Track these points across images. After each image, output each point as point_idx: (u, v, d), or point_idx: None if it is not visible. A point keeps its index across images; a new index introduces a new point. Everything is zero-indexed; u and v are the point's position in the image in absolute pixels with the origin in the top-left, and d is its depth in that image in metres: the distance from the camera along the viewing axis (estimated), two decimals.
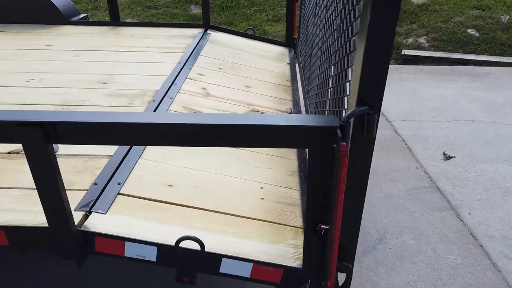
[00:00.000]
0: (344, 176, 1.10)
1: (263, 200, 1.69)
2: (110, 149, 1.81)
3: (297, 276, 1.37)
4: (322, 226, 1.24)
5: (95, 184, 1.59)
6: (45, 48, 3.17)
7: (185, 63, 2.88)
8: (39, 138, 1.11)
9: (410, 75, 4.60)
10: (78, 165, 1.72)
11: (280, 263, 1.37)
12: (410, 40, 5.98)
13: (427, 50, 5.85)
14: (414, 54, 5.56)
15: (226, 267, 1.38)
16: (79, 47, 3.18)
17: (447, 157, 2.99)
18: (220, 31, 3.76)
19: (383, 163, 2.99)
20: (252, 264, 1.37)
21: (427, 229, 2.37)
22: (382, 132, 3.38)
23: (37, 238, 1.35)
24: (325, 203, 1.21)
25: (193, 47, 3.19)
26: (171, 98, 2.37)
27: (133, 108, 2.24)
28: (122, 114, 1.15)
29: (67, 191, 1.25)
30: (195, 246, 1.32)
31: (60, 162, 1.22)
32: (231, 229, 1.51)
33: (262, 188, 1.78)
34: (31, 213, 1.41)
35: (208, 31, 3.68)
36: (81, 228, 1.35)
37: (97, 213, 1.45)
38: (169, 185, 1.67)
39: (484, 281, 2.00)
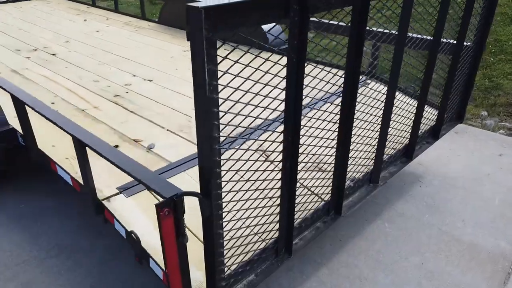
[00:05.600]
0: (165, 231, 1.49)
1: None
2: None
3: None
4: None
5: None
6: None
7: None
8: None
9: None
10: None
11: None
12: None
13: None
14: None
15: (152, 264, 1.95)
16: None
17: None
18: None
19: None
20: (161, 271, 1.89)
21: None
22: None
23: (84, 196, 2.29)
24: None
25: None
26: None
27: None
28: None
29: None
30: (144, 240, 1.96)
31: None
32: None
33: None
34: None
35: None
36: (103, 200, 2.21)
37: (123, 195, 2.28)
38: None
39: None
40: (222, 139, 1.47)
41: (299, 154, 1.87)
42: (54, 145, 2.76)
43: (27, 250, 2.83)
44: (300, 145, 1.85)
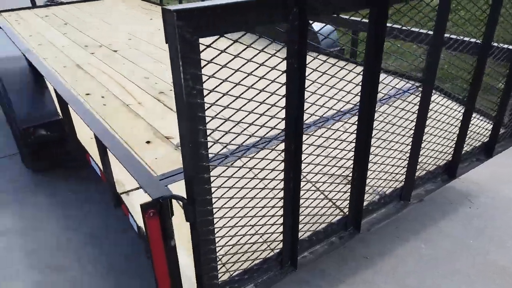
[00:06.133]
0: (151, 233, 1.49)
1: None
2: None
3: None
4: None
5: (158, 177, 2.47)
6: None
7: None
8: None
9: None
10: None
11: None
12: None
13: None
14: None
15: None
16: None
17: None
18: None
19: None
20: None
21: None
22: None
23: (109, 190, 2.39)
24: None
25: None
26: None
27: None
28: None
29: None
30: None
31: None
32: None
33: None
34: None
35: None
36: (121, 194, 2.29)
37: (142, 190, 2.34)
38: None
39: None
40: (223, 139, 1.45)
41: (308, 164, 1.78)
42: (92, 137, 2.93)
43: (67, 236, 3.03)
44: (308, 155, 1.76)
